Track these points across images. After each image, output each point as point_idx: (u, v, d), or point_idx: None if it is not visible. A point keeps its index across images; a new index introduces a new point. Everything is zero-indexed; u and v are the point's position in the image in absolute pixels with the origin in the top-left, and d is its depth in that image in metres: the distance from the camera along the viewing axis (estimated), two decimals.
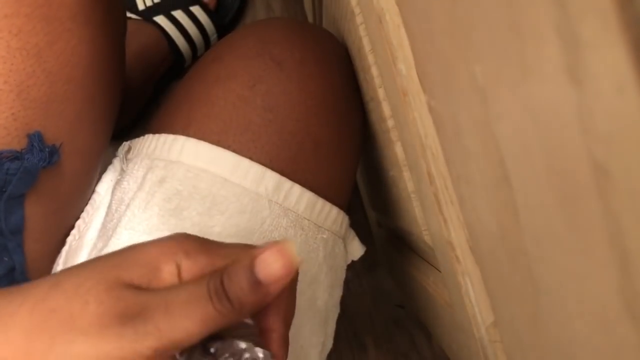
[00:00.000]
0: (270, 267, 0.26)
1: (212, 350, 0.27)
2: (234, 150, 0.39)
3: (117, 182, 0.43)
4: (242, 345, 0.28)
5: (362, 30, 0.40)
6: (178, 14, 0.78)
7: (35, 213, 0.39)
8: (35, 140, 0.36)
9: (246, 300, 0.26)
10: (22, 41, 0.35)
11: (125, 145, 0.45)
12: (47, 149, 0.37)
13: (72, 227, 0.44)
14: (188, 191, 0.39)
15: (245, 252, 0.27)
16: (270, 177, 0.39)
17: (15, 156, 0.36)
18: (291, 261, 0.26)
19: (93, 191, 0.45)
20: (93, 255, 0.41)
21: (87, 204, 0.45)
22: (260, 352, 0.28)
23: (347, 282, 0.47)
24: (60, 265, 0.43)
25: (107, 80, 0.41)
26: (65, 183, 0.40)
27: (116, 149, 0.46)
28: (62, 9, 0.36)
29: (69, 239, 0.43)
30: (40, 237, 0.40)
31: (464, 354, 0.40)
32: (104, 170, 0.45)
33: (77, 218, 0.44)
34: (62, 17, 0.36)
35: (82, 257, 0.42)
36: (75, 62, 0.37)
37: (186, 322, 0.25)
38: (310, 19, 0.79)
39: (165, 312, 0.25)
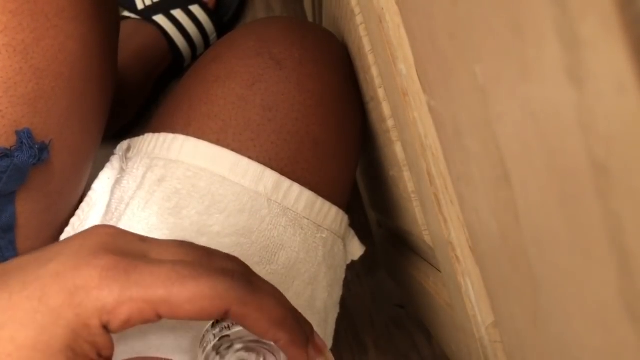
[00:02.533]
0: None
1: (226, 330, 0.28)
2: (233, 149, 0.39)
3: (117, 181, 0.43)
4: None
5: (362, 30, 0.40)
6: (177, 13, 0.78)
7: (26, 210, 0.39)
8: (25, 137, 0.36)
9: None
10: (8, 38, 0.35)
11: (125, 143, 0.45)
12: (36, 146, 0.37)
13: (66, 224, 0.44)
14: (187, 190, 0.39)
15: None
16: (270, 176, 0.39)
17: (5, 154, 0.35)
18: None
19: (89, 188, 0.45)
20: None
21: (81, 201, 0.45)
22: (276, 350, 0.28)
23: (347, 283, 0.47)
24: None
25: (97, 76, 0.41)
26: (56, 180, 0.40)
27: (115, 148, 0.46)
28: (48, 5, 0.36)
29: (63, 237, 0.43)
30: (33, 234, 0.40)
31: (464, 355, 0.40)
32: (101, 167, 0.45)
33: (71, 215, 0.44)
34: (49, 13, 0.36)
35: None
36: (63, 58, 0.37)
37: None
38: (310, 18, 0.79)
39: None
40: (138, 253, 0.28)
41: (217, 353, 0.28)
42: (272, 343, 0.29)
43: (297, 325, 0.30)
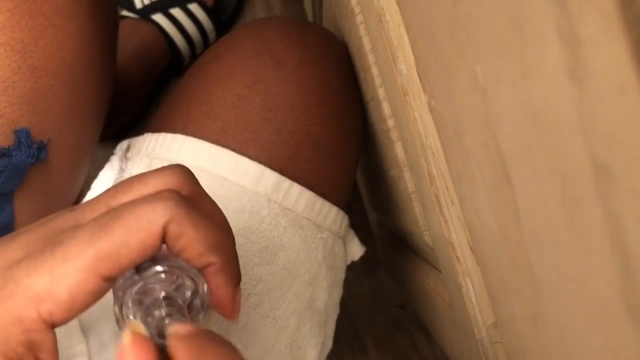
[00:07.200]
0: None
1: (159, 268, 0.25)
2: (233, 149, 0.39)
3: (116, 181, 0.43)
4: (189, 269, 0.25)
5: (362, 30, 0.40)
6: (176, 12, 0.78)
7: (24, 209, 0.39)
8: (23, 136, 0.36)
9: None
10: (7, 36, 0.35)
11: (124, 143, 0.45)
12: (34, 146, 0.36)
13: None
14: None
15: None
16: (269, 176, 0.39)
17: (3, 153, 0.35)
18: None
19: (89, 188, 0.45)
20: None
21: (80, 201, 0.44)
22: (201, 284, 0.25)
23: (347, 283, 0.47)
24: None
25: (96, 75, 0.41)
26: (54, 179, 0.40)
27: (115, 148, 0.46)
28: (47, 4, 0.36)
29: None
30: None
31: (464, 355, 0.40)
32: (101, 167, 0.45)
33: None
34: (47, 11, 0.36)
35: None
36: (61, 57, 0.37)
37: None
38: (310, 17, 0.79)
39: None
40: (68, 227, 0.26)
41: (137, 272, 0.25)
42: (195, 270, 0.26)
43: (234, 257, 0.27)
